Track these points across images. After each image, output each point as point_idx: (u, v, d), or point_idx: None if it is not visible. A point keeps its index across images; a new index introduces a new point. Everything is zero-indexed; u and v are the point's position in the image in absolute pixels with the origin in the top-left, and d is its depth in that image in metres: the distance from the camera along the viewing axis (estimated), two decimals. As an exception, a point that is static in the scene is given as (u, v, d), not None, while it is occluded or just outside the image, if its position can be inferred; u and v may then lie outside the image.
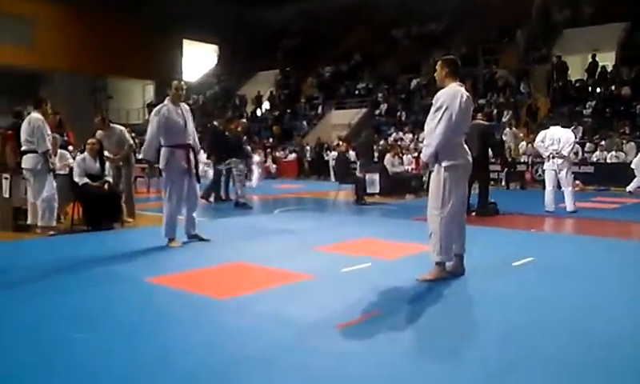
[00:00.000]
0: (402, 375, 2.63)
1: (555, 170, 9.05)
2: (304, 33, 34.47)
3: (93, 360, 2.81)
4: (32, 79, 31.10)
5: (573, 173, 9.53)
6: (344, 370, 2.69)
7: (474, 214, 8.09)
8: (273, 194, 13.90)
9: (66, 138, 8.99)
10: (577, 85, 20.68)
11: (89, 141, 7.59)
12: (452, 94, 4.38)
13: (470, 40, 24.82)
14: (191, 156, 6.13)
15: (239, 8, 35.55)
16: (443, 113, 4.33)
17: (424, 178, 10.46)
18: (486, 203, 8.67)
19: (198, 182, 6.33)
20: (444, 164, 4.40)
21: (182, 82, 6.47)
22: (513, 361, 2.79)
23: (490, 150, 9.09)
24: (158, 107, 6.14)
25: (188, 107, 6.36)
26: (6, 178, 7.14)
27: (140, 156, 5.92)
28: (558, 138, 9.00)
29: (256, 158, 17.26)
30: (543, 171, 9.57)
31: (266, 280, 4.51)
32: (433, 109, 4.44)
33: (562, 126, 9.54)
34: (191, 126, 6.24)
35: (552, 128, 9.34)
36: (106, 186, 7.35)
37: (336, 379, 2.59)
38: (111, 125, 8.21)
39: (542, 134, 9.39)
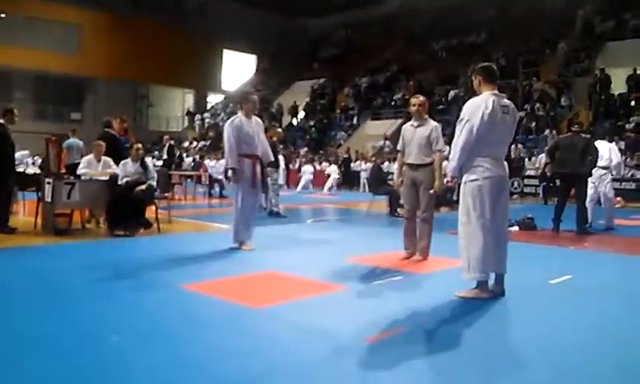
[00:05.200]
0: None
1: (595, 184, 8.86)
2: (344, 43, 34.56)
3: (123, 363, 2.87)
4: (77, 86, 32.12)
5: (614, 189, 9.30)
6: (374, 384, 2.68)
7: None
8: (306, 204, 13.96)
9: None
10: (619, 99, 20.17)
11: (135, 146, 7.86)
12: (475, 105, 4.22)
13: (511, 52, 24.47)
14: (257, 167, 6.43)
15: (281, 18, 35.95)
16: (464, 126, 4.20)
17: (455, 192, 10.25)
18: (585, 221, 8.34)
19: (265, 192, 6.51)
20: (465, 179, 4.28)
21: (256, 96, 6.90)
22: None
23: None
24: (232, 119, 6.53)
25: (260, 120, 6.69)
26: (49, 183, 7.28)
27: (229, 165, 6.26)
28: (601, 154, 8.83)
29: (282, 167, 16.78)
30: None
31: (299, 290, 4.55)
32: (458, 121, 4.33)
33: (609, 141, 9.31)
34: (262, 138, 6.56)
35: (597, 142, 9.15)
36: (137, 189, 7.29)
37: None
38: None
39: None
